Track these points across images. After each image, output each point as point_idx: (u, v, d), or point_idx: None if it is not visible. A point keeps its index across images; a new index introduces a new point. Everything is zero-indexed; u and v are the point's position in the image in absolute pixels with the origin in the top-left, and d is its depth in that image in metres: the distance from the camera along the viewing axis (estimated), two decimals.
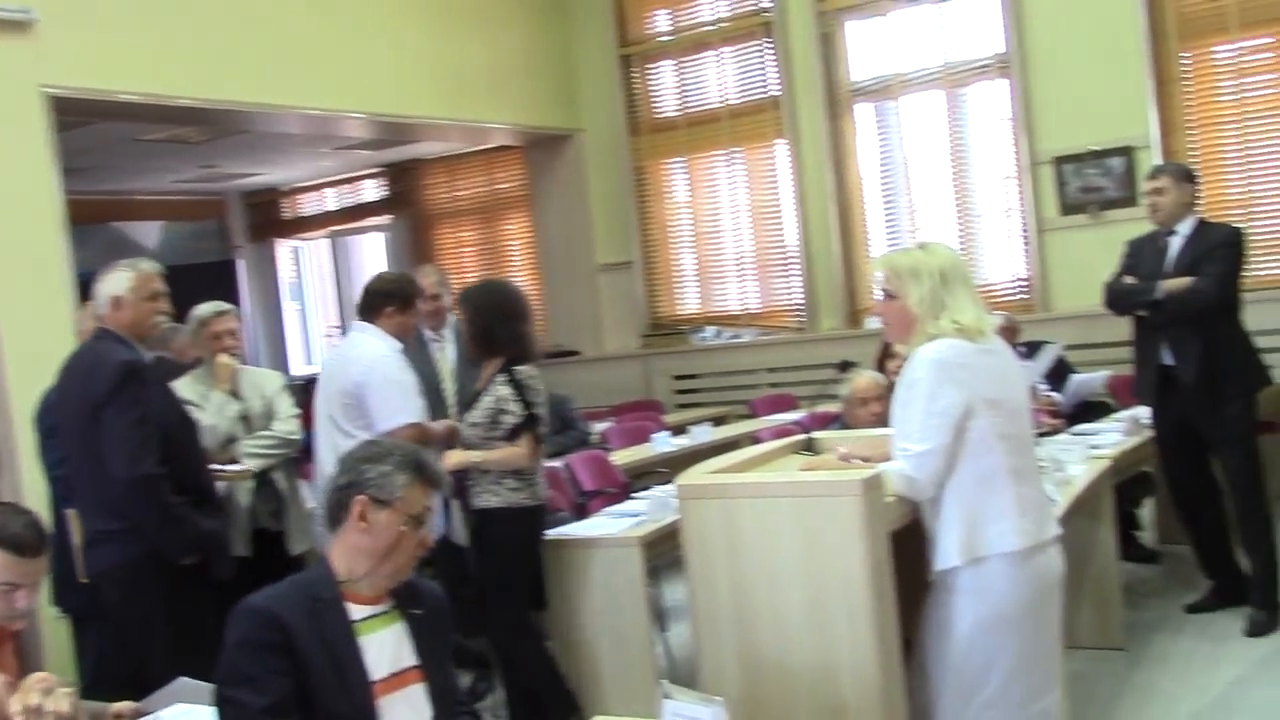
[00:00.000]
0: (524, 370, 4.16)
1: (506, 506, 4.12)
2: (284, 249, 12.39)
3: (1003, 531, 2.78)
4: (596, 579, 4.37)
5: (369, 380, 4.42)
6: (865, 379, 4.48)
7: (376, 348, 4.54)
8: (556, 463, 6.29)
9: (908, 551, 2.93)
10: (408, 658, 2.49)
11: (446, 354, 5.42)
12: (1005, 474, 2.79)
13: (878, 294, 3.01)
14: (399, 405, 4.40)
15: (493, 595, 4.30)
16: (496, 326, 4.22)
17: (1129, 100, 7.77)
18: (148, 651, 3.68)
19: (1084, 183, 8.00)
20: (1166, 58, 7.69)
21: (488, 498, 4.16)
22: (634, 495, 5.46)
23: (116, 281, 3.87)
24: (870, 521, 2.72)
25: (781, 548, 2.81)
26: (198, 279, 10.71)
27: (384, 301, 4.60)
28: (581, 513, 5.72)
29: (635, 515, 4.67)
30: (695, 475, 3.11)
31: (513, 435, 4.13)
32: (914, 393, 2.82)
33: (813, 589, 2.78)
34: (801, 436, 3.52)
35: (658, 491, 5.19)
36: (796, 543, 2.79)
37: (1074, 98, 7.95)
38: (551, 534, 4.45)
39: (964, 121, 8.58)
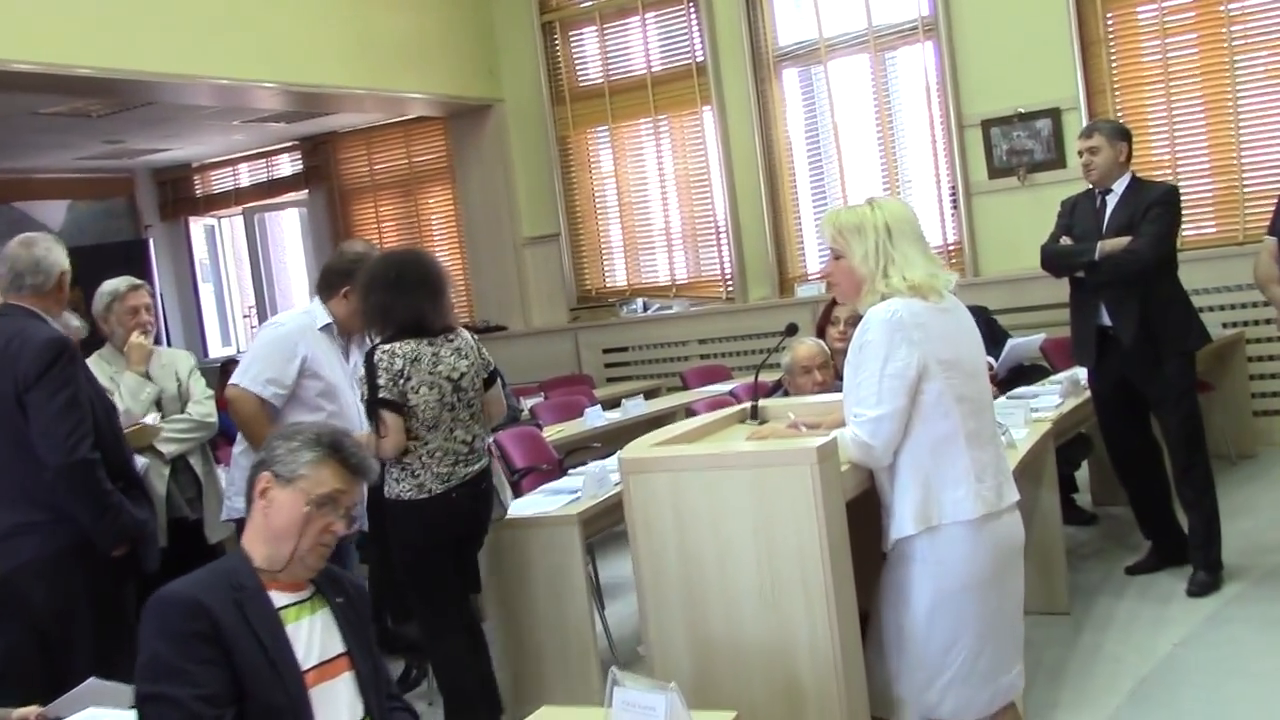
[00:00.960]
0: (385, 347, 3.77)
1: (394, 499, 3.86)
2: (197, 227, 12.02)
3: (959, 498, 2.66)
4: (534, 559, 4.21)
5: (254, 339, 4.27)
6: (807, 346, 4.36)
7: (287, 316, 4.37)
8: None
9: (860, 521, 2.80)
10: (335, 645, 2.33)
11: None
12: (962, 438, 2.67)
13: (825, 253, 2.87)
14: (243, 368, 4.20)
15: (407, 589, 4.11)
16: (363, 299, 3.92)
17: (1055, 62, 7.76)
18: (70, 649, 3.46)
19: (1012, 145, 7.99)
20: (1091, 19, 7.68)
21: (385, 487, 3.91)
22: (569, 471, 5.32)
23: (60, 255, 3.65)
24: (826, 491, 2.58)
25: (732, 522, 2.66)
26: (107, 260, 10.26)
27: (341, 280, 4.27)
28: (515, 491, 5.58)
29: (571, 492, 4.52)
30: (639, 448, 2.95)
31: (369, 419, 3.82)
32: (866, 355, 2.68)
33: (766, 564, 2.63)
34: (745, 405, 3.38)
35: (593, 467, 5.06)
36: (748, 516, 2.64)
37: (1000, 60, 7.94)
38: None
39: (891, 86, 8.54)
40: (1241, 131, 7.42)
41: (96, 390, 3.69)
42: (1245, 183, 7.45)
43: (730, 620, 2.69)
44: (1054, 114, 7.83)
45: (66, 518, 3.45)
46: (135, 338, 4.52)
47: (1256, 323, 7.22)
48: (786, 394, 4.39)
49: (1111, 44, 7.70)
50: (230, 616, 2.16)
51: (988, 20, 7.93)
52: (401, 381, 3.74)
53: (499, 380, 4.22)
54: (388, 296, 3.82)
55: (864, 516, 2.84)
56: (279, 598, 2.28)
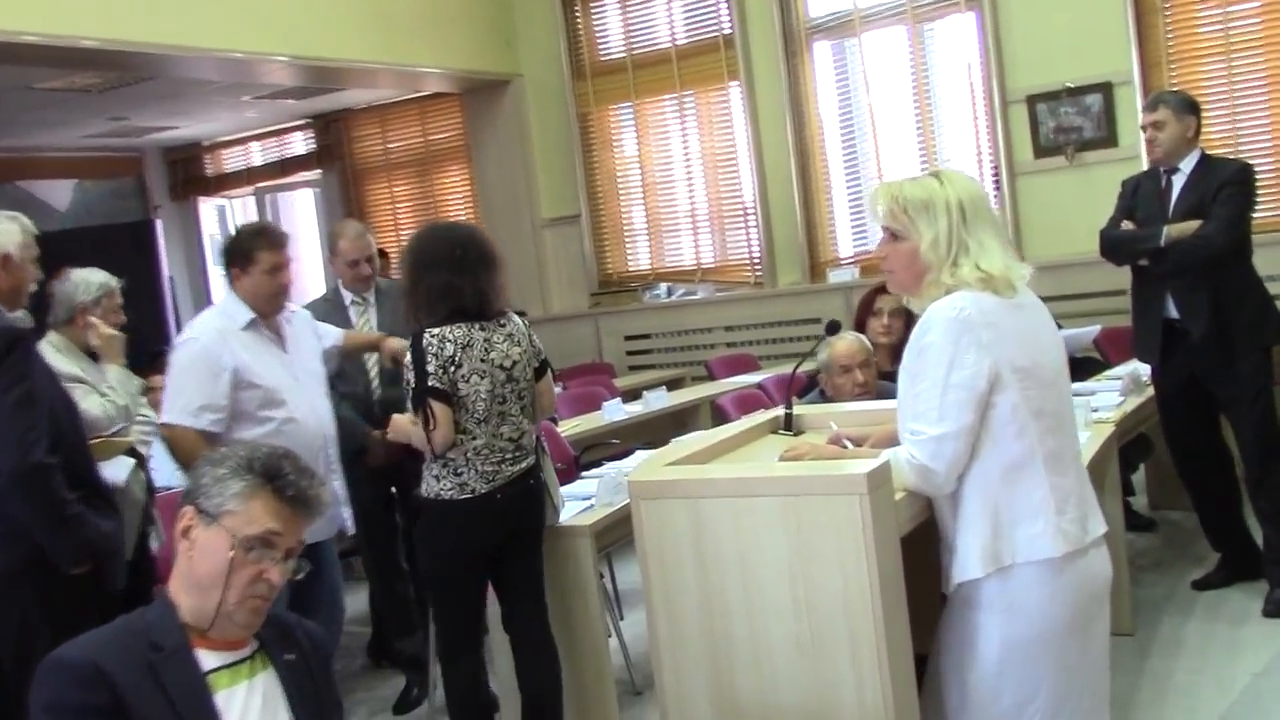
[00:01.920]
0: (435, 331, 3.42)
1: (430, 498, 3.53)
2: (208, 208, 11.65)
3: (1036, 534, 2.24)
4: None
5: (170, 364, 3.76)
6: (846, 342, 3.90)
7: (200, 324, 3.80)
8: None
9: (911, 553, 2.39)
10: (279, 715, 1.91)
11: (368, 320, 4.82)
12: (1040, 461, 2.25)
13: (878, 233, 2.44)
14: (169, 402, 3.66)
15: (429, 596, 3.73)
16: (419, 279, 3.53)
17: (1107, 33, 7.28)
18: (21, 678, 3.08)
19: (1059, 122, 7.52)
20: None
21: (423, 485, 3.57)
22: (583, 472, 4.93)
23: (4, 235, 3.31)
24: (877, 525, 2.16)
25: (764, 560, 2.24)
26: (115, 240, 10.02)
27: (227, 262, 3.81)
28: None
29: (584, 498, 4.12)
30: (652, 468, 2.53)
31: (416, 411, 3.47)
32: (927, 360, 2.25)
33: (804, 611, 2.22)
34: (778, 412, 2.96)
35: (609, 469, 4.66)
36: (783, 553, 2.22)
37: (1047, 31, 7.44)
38: None
39: (929, 59, 8.06)
40: None
41: (56, 386, 3.31)
42: None
43: (761, 677, 2.27)
44: (1105, 89, 7.35)
45: (19, 531, 3.05)
46: (112, 331, 4.14)
47: None
48: (824, 395, 3.95)
49: (1168, 13, 7.21)
50: (139, 685, 1.76)
51: None
52: (452, 369, 3.42)
53: (549, 370, 3.85)
54: (451, 276, 3.47)
55: (917, 548, 2.42)
56: (208, 658, 1.87)
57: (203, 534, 1.87)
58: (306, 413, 3.74)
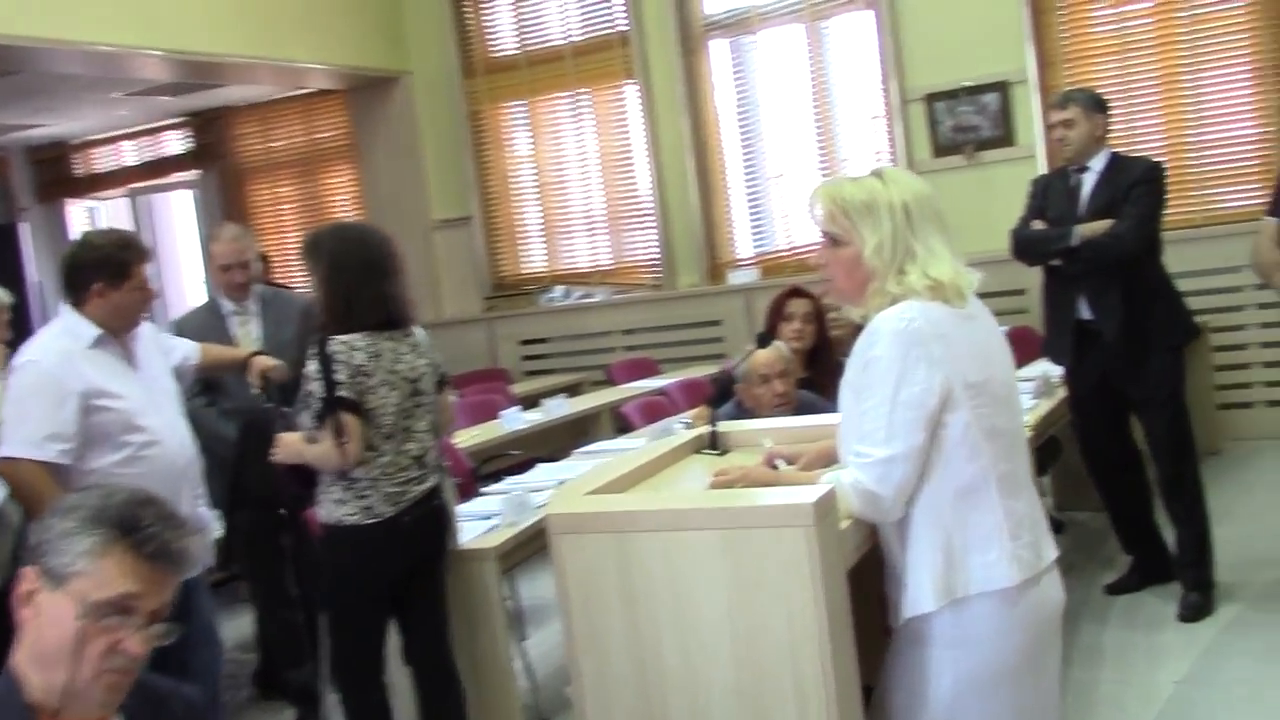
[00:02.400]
0: (342, 339, 3.18)
1: (332, 524, 3.26)
2: (77, 210, 11.07)
3: (991, 562, 2.07)
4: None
5: (6, 392, 3.34)
6: (766, 351, 3.73)
7: (40, 344, 3.35)
8: None
9: (853, 586, 2.21)
10: None
11: (250, 332, 4.50)
12: (993, 484, 2.08)
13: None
14: (9, 433, 3.22)
15: (330, 626, 3.47)
16: (333, 282, 3.25)
17: (1003, 32, 7.29)
18: None
19: (957, 121, 7.51)
20: None
21: (320, 509, 3.30)
22: (481, 486, 4.68)
23: None
24: (825, 560, 1.97)
25: (701, 600, 2.04)
26: None
27: (90, 276, 3.30)
28: None
29: (486, 517, 3.88)
30: (571, 498, 2.30)
31: (321, 423, 3.19)
32: (873, 376, 2.07)
33: (746, 654, 2.02)
34: (703, 429, 2.76)
35: (512, 484, 4.44)
36: (721, 592, 2.02)
37: (945, 30, 7.43)
38: None
39: (828, 57, 7.99)
40: (1199, 108, 7.00)
41: None
42: (1203, 162, 7.03)
43: None
44: (1002, 88, 7.35)
45: None
46: None
47: (1219, 310, 6.81)
48: (740, 406, 3.77)
49: (1063, 13, 7.22)
50: None
51: None
52: (362, 379, 3.18)
53: (448, 383, 3.65)
54: (369, 281, 3.25)
55: (859, 578, 2.24)
56: None
57: (48, 599, 1.57)
58: (168, 435, 3.35)
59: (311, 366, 3.19)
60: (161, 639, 1.59)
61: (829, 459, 2.42)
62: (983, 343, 2.17)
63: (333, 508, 3.26)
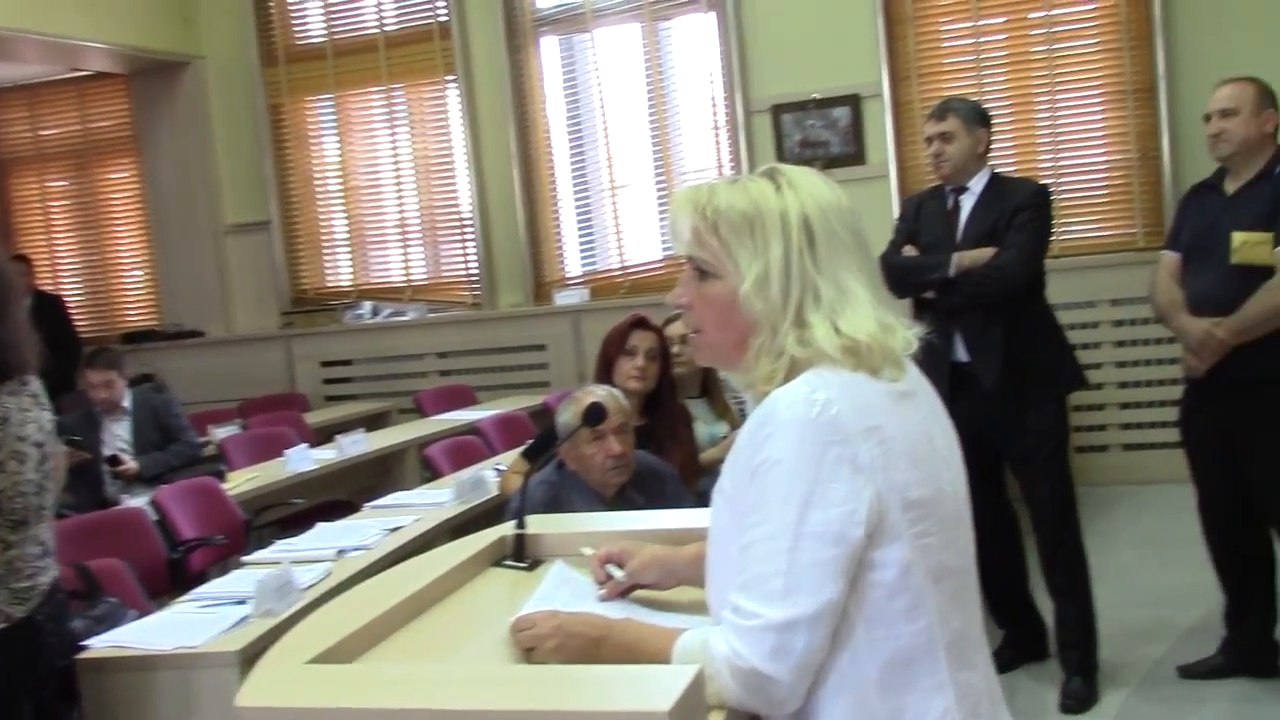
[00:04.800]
0: None
1: None
2: None
3: None
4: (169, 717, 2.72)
5: None
6: (599, 398, 2.95)
7: None
8: (142, 498, 4.60)
9: None
10: None
11: None
12: (941, 651, 1.37)
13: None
14: None
15: None
16: None
17: (856, 43, 6.84)
18: None
19: (805, 135, 7.01)
20: None
21: None
22: (244, 561, 3.79)
23: None
24: None
25: None
26: None
27: None
28: (175, 576, 4.09)
29: (236, 602, 3.03)
30: (282, 665, 1.48)
31: None
32: (767, 490, 1.33)
33: None
34: (505, 529, 2.00)
35: (283, 549, 3.61)
36: None
37: (794, 37, 6.94)
38: (96, 645, 2.77)
39: (666, 61, 7.40)
40: (1054, 131, 6.63)
41: None
42: (1059, 189, 6.64)
43: None
44: (853, 101, 6.86)
45: None
46: None
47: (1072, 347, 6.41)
48: (562, 469, 3.00)
49: (919, 25, 6.76)
50: None
51: None
52: None
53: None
54: None
55: None
56: None
57: None
58: None
59: None
60: None
61: (690, 570, 1.70)
62: (922, 432, 1.47)
63: None
